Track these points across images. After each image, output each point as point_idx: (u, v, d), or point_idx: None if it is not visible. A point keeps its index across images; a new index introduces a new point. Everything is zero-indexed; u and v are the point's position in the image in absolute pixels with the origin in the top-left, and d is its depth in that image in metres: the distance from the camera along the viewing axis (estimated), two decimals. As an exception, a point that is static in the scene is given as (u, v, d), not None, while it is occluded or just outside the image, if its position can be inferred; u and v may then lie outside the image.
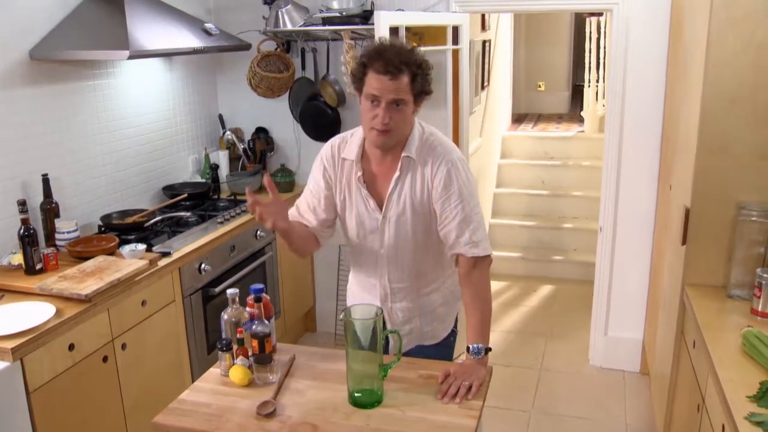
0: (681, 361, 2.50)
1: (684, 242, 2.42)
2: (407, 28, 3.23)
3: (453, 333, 2.25)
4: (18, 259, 2.60)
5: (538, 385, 3.70)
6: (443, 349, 2.22)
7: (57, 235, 2.82)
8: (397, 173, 1.97)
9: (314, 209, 2.11)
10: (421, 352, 2.17)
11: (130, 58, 2.68)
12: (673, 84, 3.17)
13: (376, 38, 1.86)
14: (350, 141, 2.05)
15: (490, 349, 1.94)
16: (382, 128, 1.86)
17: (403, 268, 2.08)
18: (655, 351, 3.23)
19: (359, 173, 2.01)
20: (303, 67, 3.93)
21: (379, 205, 2.02)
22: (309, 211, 2.12)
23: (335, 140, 2.10)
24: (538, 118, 7.63)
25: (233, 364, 1.92)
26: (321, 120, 3.91)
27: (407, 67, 1.83)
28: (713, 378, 1.86)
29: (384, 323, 2.15)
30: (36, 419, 2.17)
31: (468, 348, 1.92)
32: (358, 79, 1.89)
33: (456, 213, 1.94)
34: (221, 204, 3.64)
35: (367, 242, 2.08)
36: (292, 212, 2.14)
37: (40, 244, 2.67)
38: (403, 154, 1.96)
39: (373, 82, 1.83)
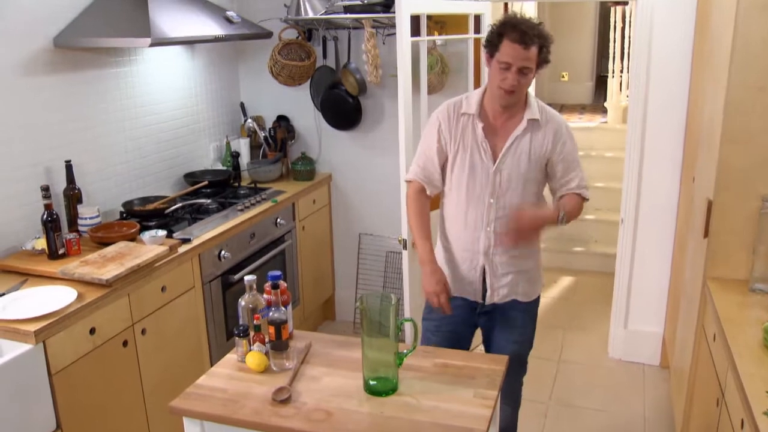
0: (701, 355, 2.47)
1: (706, 235, 2.39)
2: (429, 17, 3.21)
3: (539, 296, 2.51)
4: (41, 243, 2.64)
5: (557, 376, 3.69)
6: (532, 306, 2.47)
7: (79, 221, 2.85)
8: (519, 132, 2.21)
9: (424, 166, 2.34)
10: (514, 307, 2.40)
11: (152, 45, 2.70)
12: (698, 74, 3.12)
13: (505, 14, 2.28)
14: (468, 99, 2.29)
15: (563, 222, 2.17)
16: (509, 89, 2.11)
17: (508, 221, 2.24)
18: (675, 344, 3.20)
19: (481, 124, 2.23)
20: (324, 56, 3.93)
21: (495, 156, 2.23)
22: (420, 168, 2.35)
23: (451, 101, 2.33)
24: (561, 108, 7.55)
25: (250, 350, 1.94)
26: (342, 108, 3.91)
27: (538, 39, 2.07)
28: (733, 372, 1.84)
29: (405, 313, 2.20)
30: (58, 400, 2.21)
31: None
32: (493, 45, 2.12)
33: (574, 161, 2.27)
34: (242, 191, 3.66)
35: (477, 192, 2.26)
36: (413, 169, 2.38)
37: (63, 229, 2.71)
38: (528, 117, 2.21)
39: (508, 49, 2.07)
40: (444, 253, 2.42)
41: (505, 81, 2.11)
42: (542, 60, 2.13)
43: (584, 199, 2.31)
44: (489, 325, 2.43)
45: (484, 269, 2.33)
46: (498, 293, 2.36)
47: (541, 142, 2.23)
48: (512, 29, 2.07)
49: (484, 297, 2.37)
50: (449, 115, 2.29)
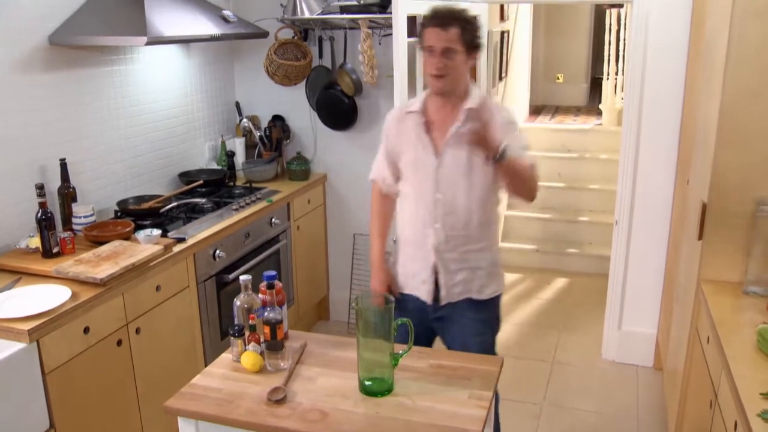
0: (694, 357, 2.48)
1: (700, 237, 2.40)
2: (425, 18, 3.22)
3: (500, 294, 2.41)
4: (35, 242, 2.63)
5: (550, 378, 3.69)
6: (492, 307, 2.39)
7: (74, 220, 2.84)
8: (459, 123, 2.19)
9: (378, 166, 2.43)
10: (470, 306, 2.33)
11: (148, 44, 2.69)
12: (693, 77, 3.13)
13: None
14: (414, 99, 2.35)
15: (501, 158, 2.03)
16: (437, 72, 2.13)
17: (457, 216, 2.24)
18: (669, 346, 3.21)
19: (423, 119, 2.25)
20: (320, 56, 3.93)
21: (437, 150, 2.23)
22: (377, 168, 2.44)
23: (400, 105, 2.43)
24: (556, 110, 7.57)
25: (245, 350, 1.94)
26: (337, 108, 3.91)
27: (457, 21, 2.11)
28: (726, 374, 1.85)
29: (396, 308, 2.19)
30: (51, 400, 2.20)
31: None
32: (420, 36, 2.17)
33: (522, 141, 2.21)
34: (236, 191, 3.66)
35: (422, 188, 2.26)
36: (373, 168, 2.45)
37: (57, 228, 2.70)
38: (465, 107, 2.19)
39: (429, 34, 2.13)
40: (398, 251, 2.42)
41: (431, 65, 2.14)
42: (468, 42, 2.13)
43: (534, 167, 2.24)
44: (444, 330, 2.38)
45: (436, 267, 2.29)
46: (451, 292, 2.30)
47: None
48: (431, 17, 2.14)
49: (438, 296, 2.32)
50: (396, 117, 2.35)
